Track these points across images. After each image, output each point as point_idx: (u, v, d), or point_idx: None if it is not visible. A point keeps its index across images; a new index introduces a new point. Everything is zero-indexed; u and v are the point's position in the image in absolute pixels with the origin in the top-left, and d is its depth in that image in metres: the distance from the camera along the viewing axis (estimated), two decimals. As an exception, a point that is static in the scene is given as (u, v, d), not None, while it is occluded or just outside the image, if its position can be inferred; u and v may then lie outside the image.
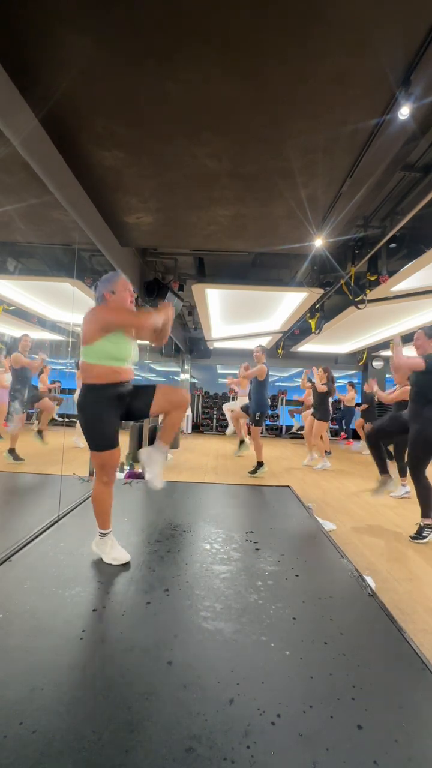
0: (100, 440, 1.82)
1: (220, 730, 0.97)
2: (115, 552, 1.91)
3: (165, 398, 1.98)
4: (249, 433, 7.28)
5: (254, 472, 4.78)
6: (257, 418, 4.72)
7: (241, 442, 5.04)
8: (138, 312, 1.87)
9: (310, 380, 7.94)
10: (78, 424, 6.42)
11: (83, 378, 1.84)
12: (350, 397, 8.38)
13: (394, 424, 3.13)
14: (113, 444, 1.86)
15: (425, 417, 2.81)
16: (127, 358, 1.93)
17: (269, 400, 10.97)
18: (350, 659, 1.27)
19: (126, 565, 1.87)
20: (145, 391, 1.97)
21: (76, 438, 6.41)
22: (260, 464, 4.79)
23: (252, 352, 4.94)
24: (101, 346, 1.81)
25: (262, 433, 4.86)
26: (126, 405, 1.93)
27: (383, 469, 3.20)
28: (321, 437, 6.02)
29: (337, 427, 10.18)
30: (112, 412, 1.85)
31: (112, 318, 1.81)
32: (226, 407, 5.77)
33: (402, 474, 4.19)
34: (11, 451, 4.71)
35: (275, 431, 10.66)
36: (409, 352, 3.14)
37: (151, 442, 5.59)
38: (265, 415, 4.81)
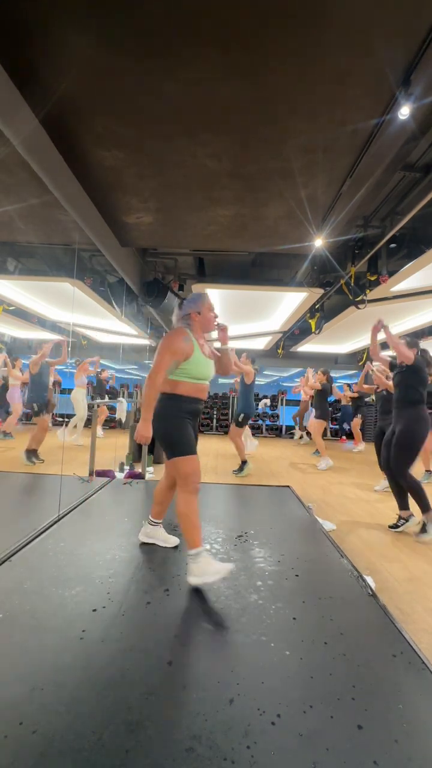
0: (184, 444, 1.78)
1: (220, 730, 0.97)
2: (215, 565, 1.72)
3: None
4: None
5: (240, 470, 4.80)
6: (240, 420, 4.74)
7: (244, 462, 5.00)
8: (159, 373, 1.76)
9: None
10: (77, 424, 6.48)
11: (162, 388, 1.83)
12: (347, 396, 8.40)
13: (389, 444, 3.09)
14: (194, 449, 1.84)
15: (407, 418, 2.85)
16: (207, 377, 1.93)
17: (269, 400, 10.97)
18: (350, 659, 1.27)
19: (127, 565, 1.87)
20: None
21: (75, 436, 6.41)
22: (244, 462, 4.81)
23: (251, 352, 4.95)
24: (183, 368, 1.83)
25: (255, 434, 4.84)
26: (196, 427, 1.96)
27: (403, 504, 3.01)
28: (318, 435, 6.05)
29: (337, 427, 10.19)
30: (189, 422, 1.87)
31: (162, 356, 1.78)
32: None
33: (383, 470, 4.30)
34: (33, 452, 4.71)
35: (275, 431, 10.66)
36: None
37: (151, 443, 5.59)
38: (249, 417, 4.83)
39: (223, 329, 2.04)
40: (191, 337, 1.86)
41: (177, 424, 1.81)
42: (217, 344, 2.08)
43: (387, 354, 3.11)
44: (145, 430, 1.74)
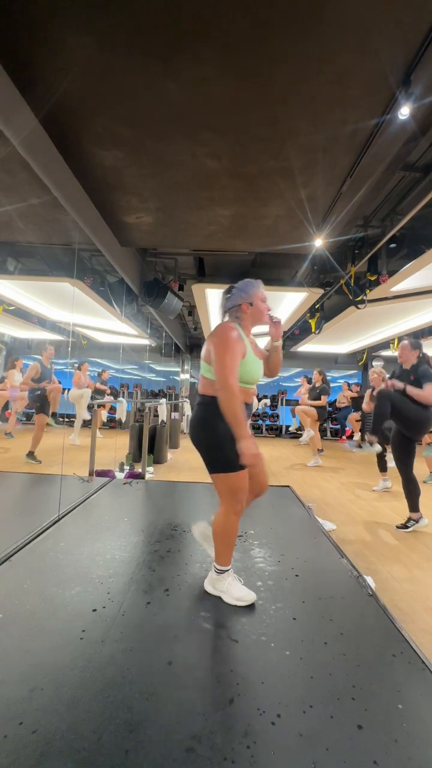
0: (233, 458, 1.49)
1: (220, 730, 0.97)
2: (238, 590, 1.61)
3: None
4: None
5: None
6: None
7: None
8: (232, 372, 1.50)
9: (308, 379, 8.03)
10: (76, 423, 6.48)
11: (206, 390, 1.60)
12: (347, 396, 8.41)
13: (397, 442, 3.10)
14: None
15: (413, 413, 2.88)
16: (257, 380, 1.69)
17: (269, 400, 10.97)
18: (350, 659, 1.27)
19: (127, 565, 1.87)
20: None
21: (73, 436, 6.41)
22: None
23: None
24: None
25: (255, 434, 4.84)
26: None
27: (414, 506, 2.99)
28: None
29: (338, 427, 10.19)
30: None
31: (216, 358, 1.52)
32: None
33: (382, 470, 4.37)
34: (30, 454, 4.72)
35: (275, 431, 10.66)
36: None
37: (151, 443, 5.55)
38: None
39: (276, 323, 1.76)
40: (242, 334, 1.61)
41: (222, 433, 1.52)
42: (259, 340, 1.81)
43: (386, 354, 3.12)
44: (251, 447, 1.45)
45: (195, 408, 1.65)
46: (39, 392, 4.77)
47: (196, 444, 1.62)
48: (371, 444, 3.07)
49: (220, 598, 1.61)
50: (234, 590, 1.60)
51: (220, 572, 1.64)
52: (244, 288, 1.69)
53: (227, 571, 1.64)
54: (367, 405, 4.66)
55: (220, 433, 1.52)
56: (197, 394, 1.68)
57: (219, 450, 1.54)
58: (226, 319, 1.71)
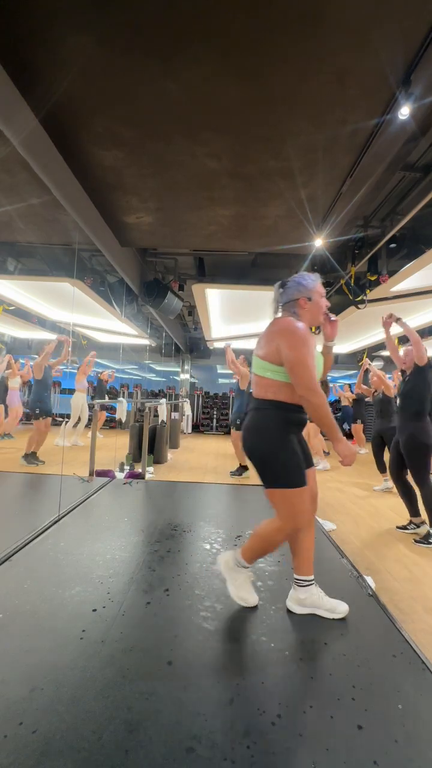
0: (293, 471, 1.38)
1: (220, 730, 0.97)
2: (247, 592, 1.55)
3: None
4: None
5: (238, 474, 4.73)
6: (238, 423, 4.67)
7: (244, 467, 4.99)
8: (315, 377, 1.36)
9: None
10: (76, 424, 6.48)
11: (265, 393, 1.45)
12: (348, 396, 8.40)
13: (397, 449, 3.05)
14: (305, 477, 1.42)
15: (409, 432, 2.79)
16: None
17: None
18: (350, 659, 1.27)
19: (127, 565, 1.87)
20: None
21: (74, 438, 6.41)
22: (244, 468, 4.74)
23: (246, 353, 4.91)
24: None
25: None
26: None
27: (414, 511, 2.95)
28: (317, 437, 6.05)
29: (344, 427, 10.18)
30: (295, 437, 1.47)
31: (294, 361, 1.35)
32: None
33: (382, 471, 4.35)
34: (33, 455, 4.71)
35: (275, 431, 10.66)
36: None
37: (151, 443, 5.54)
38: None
39: (333, 323, 1.63)
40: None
41: (283, 443, 1.39)
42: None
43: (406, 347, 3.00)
44: (349, 448, 1.35)
45: (251, 414, 1.49)
46: (40, 397, 4.78)
47: (250, 454, 1.45)
48: None
49: (219, 598, 1.61)
50: (242, 590, 1.54)
51: (239, 568, 1.55)
52: (301, 281, 1.53)
53: (246, 571, 1.56)
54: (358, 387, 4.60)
55: (276, 442, 1.38)
56: (253, 398, 1.50)
57: (275, 462, 1.39)
58: (280, 315, 1.54)
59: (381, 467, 4.37)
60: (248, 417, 1.50)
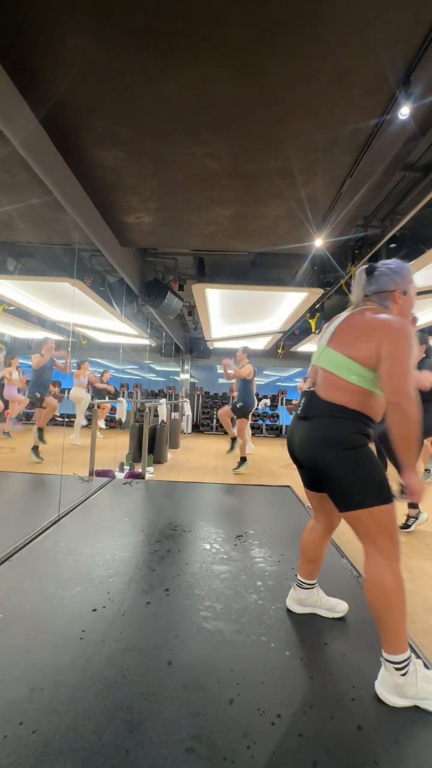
0: (384, 485, 1.17)
1: (220, 730, 0.97)
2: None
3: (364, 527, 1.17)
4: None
5: (238, 468, 4.76)
6: (238, 407, 4.67)
7: (233, 440, 5.05)
8: (414, 388, 1.12)
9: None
10: (76, 422, 6.48)
11: (347, 400, 1.22)
12: None
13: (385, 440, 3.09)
14: (391, 492, 1.19)
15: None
16: None
17: (269, 400, 10.97)
18: (350, 659, 1.27)
19: (127, 565, 1.87)
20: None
21: (73, 435, 6.41)
22: (243, 459, 4.77)
23: (249, 353, 4.92)
24: (376, 376, 1.20)
25: (255, 433, 4.77)
26: None
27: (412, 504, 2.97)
28: None
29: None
30: (371, 449, 1.27)
31: (397, 369, 1.13)
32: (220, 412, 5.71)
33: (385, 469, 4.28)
34: (40, 430, 4.75)
35: (275, 431, 10.66)
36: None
37: (151, 443, 5.56)
38: (247, 407, 4.73)
39: (414, 322, 1.37)
40: None
41: (370, 457, 1.20)
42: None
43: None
44: (420, 483, 1.13)
45: (325, 421, 1.24)
46: (38, 383, 4.80)
47: (332, 473, 1.19)
48: (417, 516, 2.99)
49: (219, 598, 1.61)
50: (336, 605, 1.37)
51: (402, 666, 1.09)
52: (398, 270, 1.31)
53: (411, 660, 1.11)
54: None
55: (363, 457, 1.18)
56: (322, 401, 1.26)
57: (365, 478, 1.17)
58: (366, 305, 1.31)
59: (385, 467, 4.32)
60: (320, 428, 1.24)
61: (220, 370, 15.20)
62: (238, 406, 4.68)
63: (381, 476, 1.18)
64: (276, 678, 1.17)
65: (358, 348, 1.21)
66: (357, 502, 1.15)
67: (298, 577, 1.54)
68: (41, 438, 4.76)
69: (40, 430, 4.79)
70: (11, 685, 1.09)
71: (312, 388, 1.32)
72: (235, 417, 4.81)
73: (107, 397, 7.81)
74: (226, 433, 4.84)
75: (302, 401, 1.33)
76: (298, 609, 1.53)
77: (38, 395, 4.76)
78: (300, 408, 1.34)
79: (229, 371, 4.74)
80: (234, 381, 4.94)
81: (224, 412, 4.99)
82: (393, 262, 1.35)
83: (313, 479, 1.37)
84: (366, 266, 1.36)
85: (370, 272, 1.34)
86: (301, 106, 2.09)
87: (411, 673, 1.09)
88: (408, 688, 1.08)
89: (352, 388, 1.21)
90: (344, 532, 2.87)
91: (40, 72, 1.95)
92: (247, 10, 1.60)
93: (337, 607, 1.52)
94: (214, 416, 10.75)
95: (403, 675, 1.08)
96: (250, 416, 4.97)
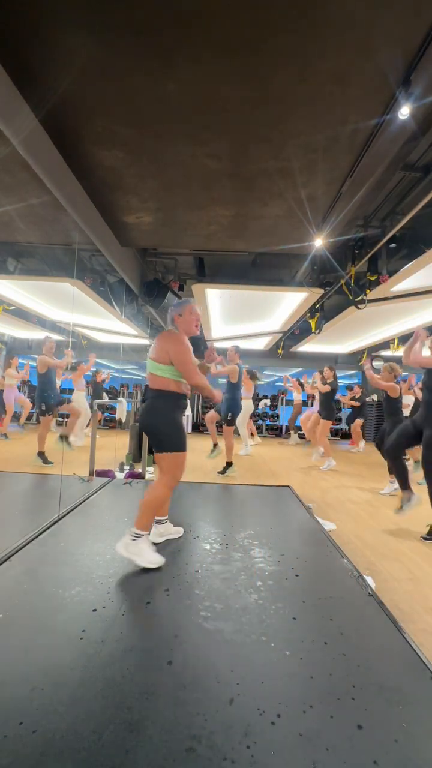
0: (179, 440, 1.93)
1: (220, 730, 0.97)
2: (149, 554, 1.87)
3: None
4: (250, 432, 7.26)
5: (223, 472, 4.69)
6: (229, 418, 4.64)
7: (215, 445, 5.03)
8: (195, 369, 1.96)
9: (300, 383, 7.98)
10: (75, 424, 6.47)
11: (153, 385, 1.97)
12: (349, 404, 8.39)
13: (407, 435, 3.07)
14: (186, 446, 1.96)
15: None
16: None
17: (269, 400, 10.97)
18: (350, 659, 1.27)
19: (127, 565, 1.87)
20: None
21: (72, 438, 6.41)
22: (229, 464, 4.69)
23: (250, 352, 4.90)
24: (173, 368, 1.96)
25: (245, 428, 4.72)
26: None
27: (406, 485, 3.12)
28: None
29: (339, 427, 10.18)
30: (181, 418, 2.01)
31: (178, 362, 1.94)
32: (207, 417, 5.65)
33: (391, 472, 4.16)
34: (40, 454, 4.72)
35: (275, 431, 10.66)
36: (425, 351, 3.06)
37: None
38: (236, 415, 4.71)
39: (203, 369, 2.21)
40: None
41: (174, 421, 1.95)
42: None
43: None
44: (214, 394, 2.11)
45: (151, 401, 1.98)
46: (46, 393, 4.77)
47: (150, 431, 1.98)
48: (410, 499, 3.07)
49: (219, 598, 1.61)
50: (146, 554, 1.84)
51: (137, 537, 1.86)
52: (178, 304, 2.11)
53: (145, 537, 1.88)
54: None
55: (169, 420, 1.94)
56: (150, 389, 2.02)
57: (167, 434, 1.92)
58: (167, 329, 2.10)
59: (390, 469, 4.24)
60: (147, 404, 1.99)
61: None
62: (228, 417, 4.62)
63: (177, 434, 1.93)
64: (276, 678, 1.17)
65: (159, 354, 1.96)
66: (160, 447, 1.92)
67: (156, 517, 2.16)
68: (46, 460, 4.70)
69: (42, 454, 4.72)
70: (11, 685, 1.09)
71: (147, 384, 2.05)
72: (222, 423, 4.76)
73: (106, 396, 7.81)
74: (220, 434, 4.82)
75: (144, 391, 2.07)
76: (158, 539, 2.17)
77: (43, 406, 4.74)
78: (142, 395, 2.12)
79: (217, 368, 4.65)
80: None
81: (210, 417, 4.97)
82: (179, 301, 2.18)
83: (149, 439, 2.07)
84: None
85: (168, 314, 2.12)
86: (301, 106, 2.09)
87: (136, 543, 1.85)
88: (129, 548, 1.84)
89: (162, 379, 1.96)
90: (344, 533, 2.88)
91: (40, 72, 1.95)
92: (247, 10, 1.60)
93: (179, 530, 2.32)
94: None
95: (132, 540, 1.86)
96: (236, 421, 4.91)
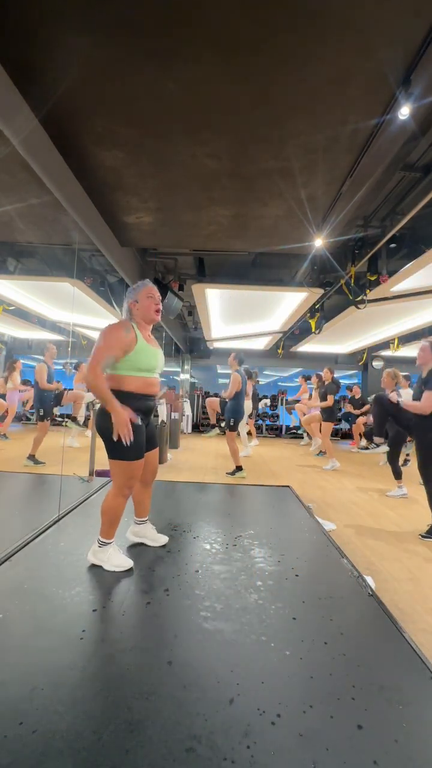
0: (132, 448, 1.71)
1: (220, 730, 0.97)
2: (117, 558, 1.84)
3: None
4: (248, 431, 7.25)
5: (232, 474, 4.69)
6: (231, 424, 4.63)
7: (212, 426, 5.07)
8: (98, 367, 1.70)
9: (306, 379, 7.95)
10: (81, 406, 6.46)
11: (110, 385, 1.73)
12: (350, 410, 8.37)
13: (400, 436, 3.44)
14: (142, 454, 1.81)
15: (429, 425, 2.79)
16: (154, 369, 1.91)
17: (269, 400, 10.96)
18: (350, 659, 1.27)
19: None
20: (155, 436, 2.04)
21: (70, 438, 6.40)
22: (239, 468, 4.69)
23: (250, 353, 4.90)
24: (127, 360, 1.76)
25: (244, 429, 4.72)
26: (148, 425, 1.93)
27: (399, 476, 4.00)
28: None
29: (339, 427, 10.18)
30: (142, 422, 1.82)
31: (97, 348, 1.74)
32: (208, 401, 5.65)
33: (398, 477, 4.15)
34: (31, 456, 4.72)
35: (275, 431, 10.66)
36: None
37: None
38: (238, 421, 4.70)
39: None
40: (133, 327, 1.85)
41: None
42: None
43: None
44: (122, 417, 1.66)
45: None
46: (47, 394, 4.77)
47: (101, 433, 1.76)
48: (378, 445, 3.23)
49: (219, 598, 1.61)
50: (113, 559, 1.82)
51: (103, 544, 1.83)
52: (132, 289, 1.94)
53: (109, 543, 1.84)
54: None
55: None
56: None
57: (116, 442, 1.71)
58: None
59: (396, 473, 4.14)
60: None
61: (220, 370, 15.20)
62: (230, 423, 4.60)
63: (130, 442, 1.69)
64: (276, 678, 1.17)
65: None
66: (110, 454, 1.75)
67: (134, 517, 2.14)
68: (81, 424, 5.03)
69: (75, 419, 5.01)
70: (11, 685, 1.09)
71: None
72: (225, 428, 4.76)
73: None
74: (224, 433, 4.80)
75: None
76: (133, 539, 2.14)
77: (42, 411, 4.74)
78: None
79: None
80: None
81: (212, 402, 4.96)
82: (135, 284, 1.97)
83: None
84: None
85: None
86: (301, 106, 2.09)
87: (103, 550, 1.82)
88: (97, 554, 1.83)
89: (113, 376, 1.78)
90: (344, 533, 2.88)
91: (40, 72, 1.95)
92: (247, 10, 1.60)
93: (160, 539, 2.14)
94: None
95: (99, 548, 1.83)
96: (239, 426, 4.91)
